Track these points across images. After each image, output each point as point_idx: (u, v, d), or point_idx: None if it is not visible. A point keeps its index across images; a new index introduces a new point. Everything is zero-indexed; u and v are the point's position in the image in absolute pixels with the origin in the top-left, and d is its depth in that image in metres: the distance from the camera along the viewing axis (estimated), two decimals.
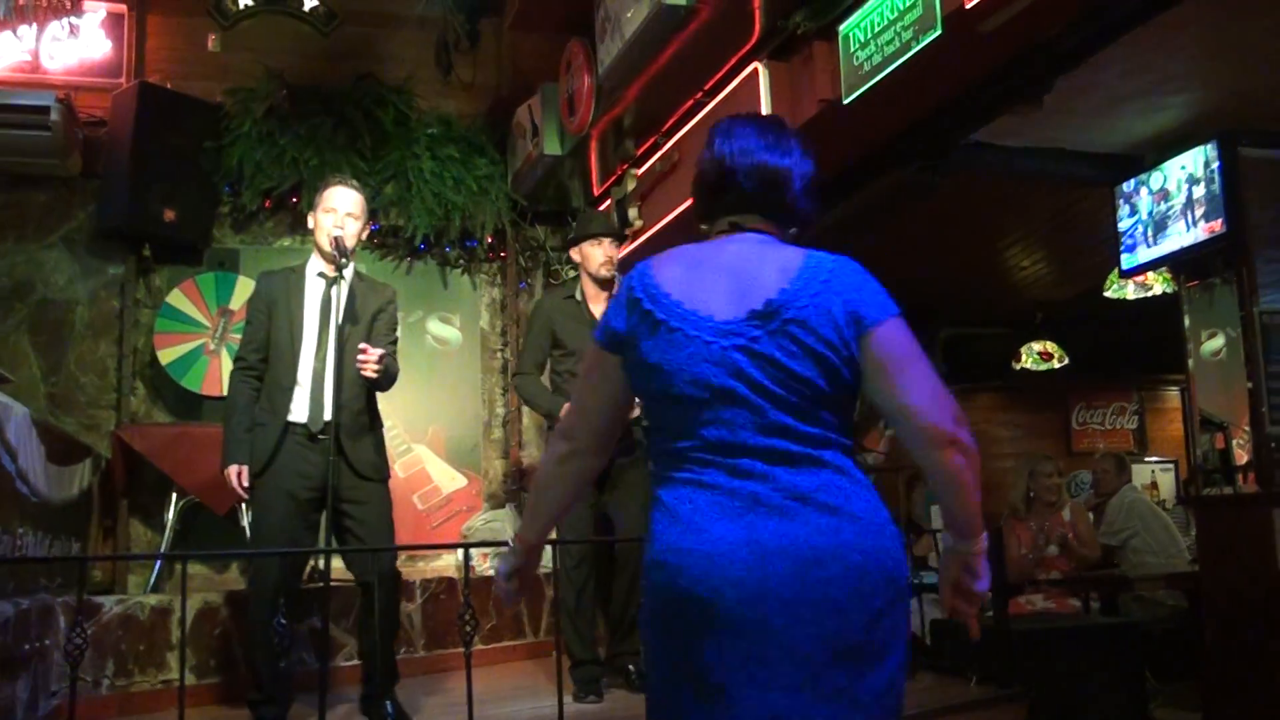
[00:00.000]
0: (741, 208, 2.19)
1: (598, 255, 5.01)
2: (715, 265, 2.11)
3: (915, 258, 7.90)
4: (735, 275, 2.07)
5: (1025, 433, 10.32)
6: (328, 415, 4.25)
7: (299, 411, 4.33)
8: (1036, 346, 9.17)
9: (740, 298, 2.04)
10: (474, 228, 7.39)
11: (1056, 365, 9.15)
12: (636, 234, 6.63)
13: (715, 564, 1.93)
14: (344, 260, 4.34)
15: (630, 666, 4.95)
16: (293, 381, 4.34)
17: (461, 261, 7.59)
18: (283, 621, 3.50)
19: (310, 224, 4.53)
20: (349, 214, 4.45)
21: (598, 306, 5.03)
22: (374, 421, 4.53)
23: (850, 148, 5.48)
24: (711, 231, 2.22)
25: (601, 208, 7.10)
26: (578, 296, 5.09)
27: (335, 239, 4.33)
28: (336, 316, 4.28)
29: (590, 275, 5.05)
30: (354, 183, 4.62)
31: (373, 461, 4.45)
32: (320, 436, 4.29)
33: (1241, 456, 5.50)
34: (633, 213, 6.44)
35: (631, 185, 6.46)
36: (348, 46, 7.42)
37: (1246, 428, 5.44)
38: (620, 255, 6.70)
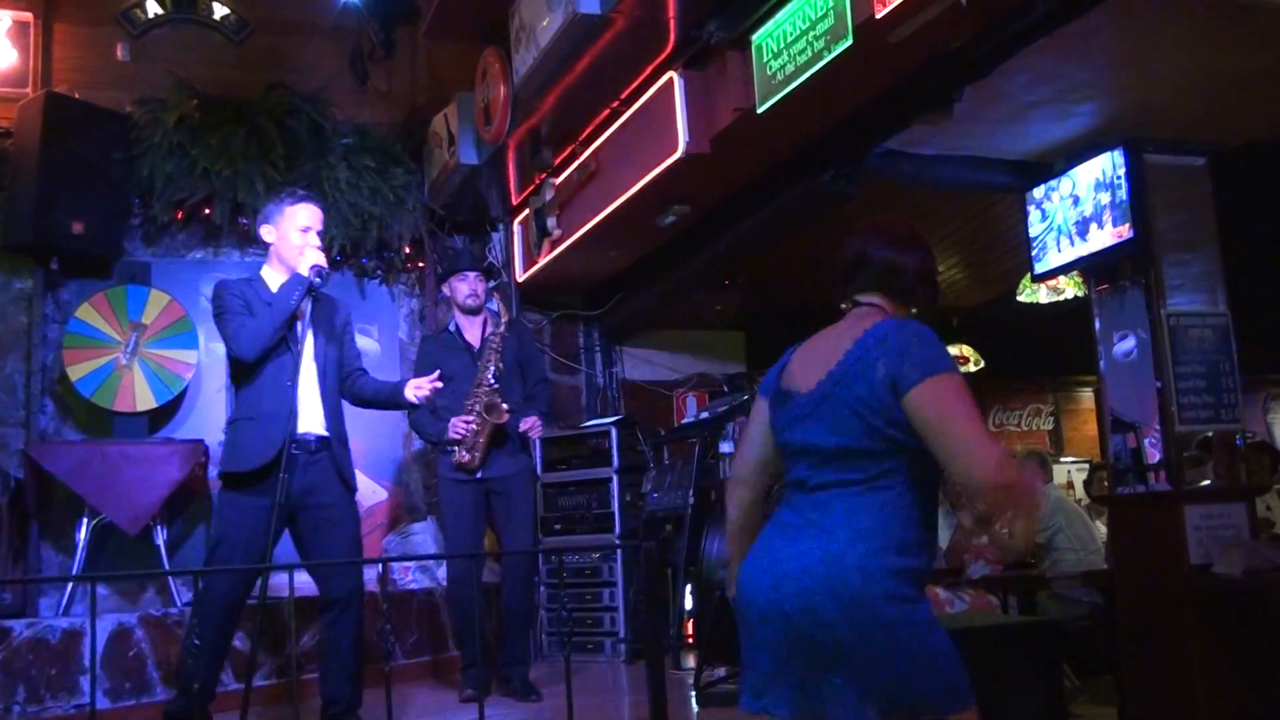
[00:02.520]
0: (866, 288, 2.70)
1: (463, 289, 5.41)
2: (826, 339, 2.61)
3: (828, 264, 7.94)
4: (829, 348, 2.54)
5: None
6: (323, 425, 4.29)
7: (305, 422, 4.28)
8: (953, 350, 9.28)
9: (824, 368, 2.51)
10: (391, 238, 7.34)
11: (973, 369, 9.28)
12: (556, 242, 6.63)
13: (753, 578, 2.44)
14: (321, 281, 4.30)
15: (513, 677, 5.05)
16: (290, 390, 4.26)
17: (379, 272, 7.53)
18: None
19: (268, 237, 4.45)
20: (319, 231, 4.43)
21: (471, 333, 5.40)
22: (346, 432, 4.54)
23: (765, 156, 5.53)
24: (846, 311, 2.68)
25: (520, 218, 7.09)
26: (451, 328, 5.45)
27: (320, 270, 4.29)
28: (310, 329, 4.34)
29: (458, 306, 5.42)
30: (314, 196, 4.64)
31: (353, 472, 4.48)
32: (318, 449, 4.30)
33: (1153, 455, 5.60)
34: (551, 222, 6.43)
35: (550, 195, 6.45)
36: (260, 56, 7.33)
37: (1157, 427, 5.55)
38: (540, 263, 6.73)
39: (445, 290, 5.49)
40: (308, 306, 4.29)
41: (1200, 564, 4.98)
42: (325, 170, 7.12)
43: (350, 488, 4.40)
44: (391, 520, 7.40)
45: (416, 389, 4.51)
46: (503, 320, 5.27)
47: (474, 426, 5.07)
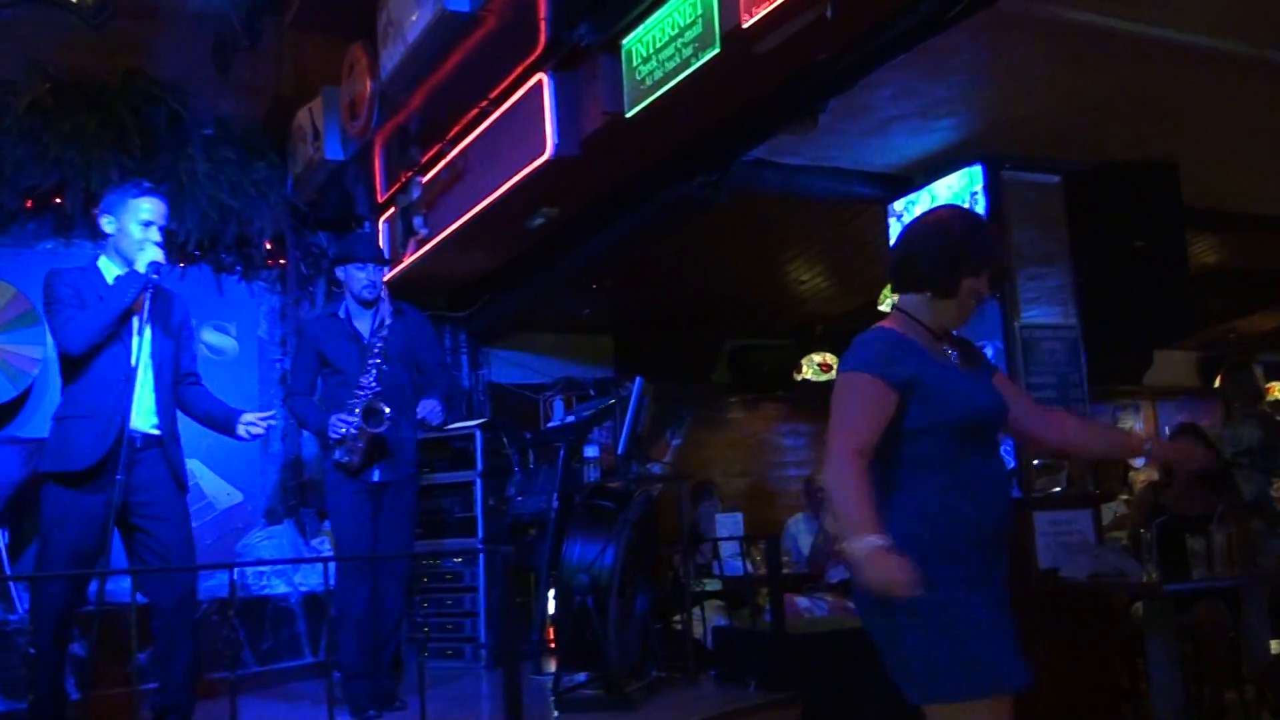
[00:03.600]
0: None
1: (361, 278, 5.09)
2: None
3: (701, 271, 8.02)
4: None
5: (808, 441, 10.59)
6: (155, 423, 4.15)
7: (136, 419, 4.11)
8: (817, 358, 9.42)
9: None
10: (252, 233, 7.16)
11: (835, 375, 9.42)
12: (422, 242, 6.54)
13: None
14: (158, 277, 4.15)
15: (387, 687, 4.95)
16: (125, 386, 4.10)
17: (238, 268, 7.33)
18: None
19: (108, 228, 4.28)
20: (161, 226, 4.28)
21: (362, 324, 5.11)
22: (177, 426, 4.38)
23: (634, 161, 5.54)
24: None
25: (385, 215, 6.98)
26: (341, 314, 5.16)
27: (158, 267, 4.13)
28: (148, 324, 4.18)
29: (354, 295, 5.11)
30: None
31: (184, 469, 4.32)
32: (147, 446, 4.14)
33: (1009, 463, 5.76)
34: (418, 221, 6.34)
35: (417, 193, 6.37)
36: (119, 41, 7.05)
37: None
38: (406, 263, 6.63)
39: (340, 274, 5.18)
40: (146, 302, 4.14)
41: (1048, 568, 5.14)
42: (183, 161, 6.91)
43: (182, 486, 4.25)
44: (247, 523, 7.21)
45: (249, 426, 4.39)
46: (390, 311, 5.05)
47: (353, 431, 4.88)
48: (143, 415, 4.13)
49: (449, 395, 5.57)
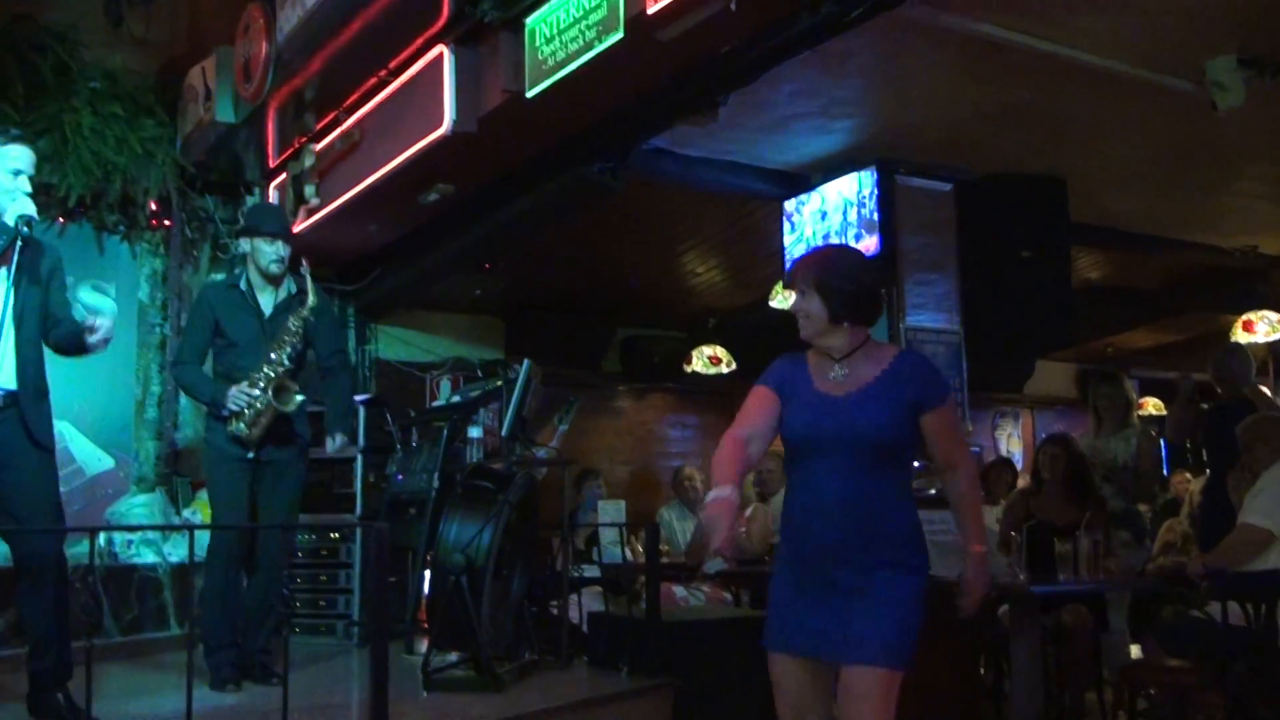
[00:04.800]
0: None
1: (269, 253, 4.93)
2: None
3: (597, 258, 8.01)
4: None
5: (695, 433, 10.66)
6: (13, 379, 3.96)
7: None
8: (708, 350, 9.47)
9: None
10: (136, 193, 6.94)
11: (725, 370, 9.49)
12: (312, 211, 6.42)
13: None
14: (28, 230, 3.97)
15: (262, 661, 4.84)
16: None
17: (121, 228, 7.10)
18: None
19: None
20: (30, 176, 4.10)
21: (264, 297, 4.98)
22: (46, 385, 4.18)
23: (533, 142, 5.50)
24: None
25: (277, 182, 6.83)
26: (242, 286, 5.01)
27: (29, 219, 3.95)
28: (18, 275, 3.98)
29: (259, 269, 4.95)
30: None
31: (50, 429, 4.14)
32: (4, 405, 3.95)
33: None
34: (309, 190, 6.22)
35: (310, 161, 6.24)
36: None
37: None
38: (295, 231, 6.48)
39: (244, 246, 5.02)
40: (15, 255, 3.97)
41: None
42: (68, 114, 6.67)
43: (43, 447, 4.08)
44: (118, 490, 7.01)
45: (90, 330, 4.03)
46: (309, 298, 4.92)
47: (258, 405, 4.74)
48: (2, 372, 3.96)
49: (349, 408, 5.46)
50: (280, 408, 4.73)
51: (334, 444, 5.15)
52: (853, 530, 2.99)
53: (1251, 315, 8.56)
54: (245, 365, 4.81)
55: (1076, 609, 5.47)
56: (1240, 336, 8.60)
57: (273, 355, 4.79)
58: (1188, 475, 8.59)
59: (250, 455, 4.80)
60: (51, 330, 4.13)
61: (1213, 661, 4.34)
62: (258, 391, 4.73)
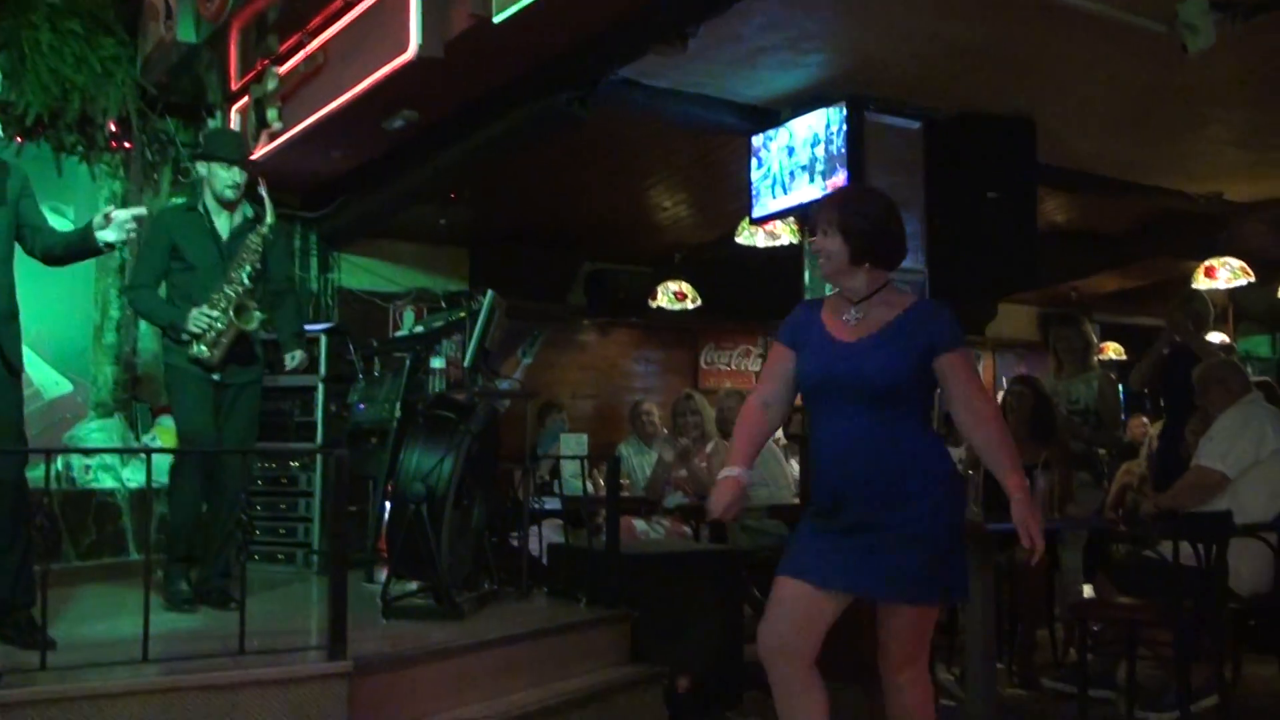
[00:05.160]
0: None
1: (225, 178, 4.90)
2: None
3: (563, 190, 7.95)
4: None
5: (658, 368, 10.67)
6: None
7: None
8: (673, 286, 9.44)
9: None
10: (95, 113, 6.80)
11: (690, 306, 9.47)
12: (275, 136, 6.33)
13: None
14: None
15: (213, 588, 4.85)
16: None
17: (80, 149, 6.97)
18: None
19: None
20: None
21: (221, 221, 4.95)
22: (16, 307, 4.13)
23: (501, 69, 5.43)
24: None
25: (239, 105, 6.72)
26: (200, 209, 4.97)
27: None
28: None
29: (215, 194, 4.92)
30: None
31: (19, 350, 4.08)
32: None
33: None
34: (272, 113, 6.14)
35: (273, 84, 6.14)
36: None
37: None
38: (257, 156, 6.41)
39: (201, 170, 4.98)
40: None
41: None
42: (26, 30, 6.50)
43: (12, 369, 4.04)
44: (76, 415, 6.95)
45: (112, 219, 4.02)
46: (267, 216, 4.88)
47: (219, 326, 4.71)
48: None
49: (302, 330, 5.42)
50: (242, 326, 4.73)
51: (293, 360, 5.16)
52: (875, 473, 3.02)
53: (1214, 261, 8.63)
54: (203, 288, 4.78)
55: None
56: (1202, 283, 8.67)
57: (232, 275, 4.77)
58: (1144, 420, 8.70)
59: (216, 377, 4.79)
60: (37, 242, 4.08)
61: (1162, 599, 4.41)
62: (218, 313, 4.70)
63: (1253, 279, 8.65)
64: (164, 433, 6.60)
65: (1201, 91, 5.88)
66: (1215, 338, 10.31)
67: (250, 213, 4.98)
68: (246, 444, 4.99)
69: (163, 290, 4.93)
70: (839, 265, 3.10)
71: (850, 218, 3.07)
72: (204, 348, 4.71)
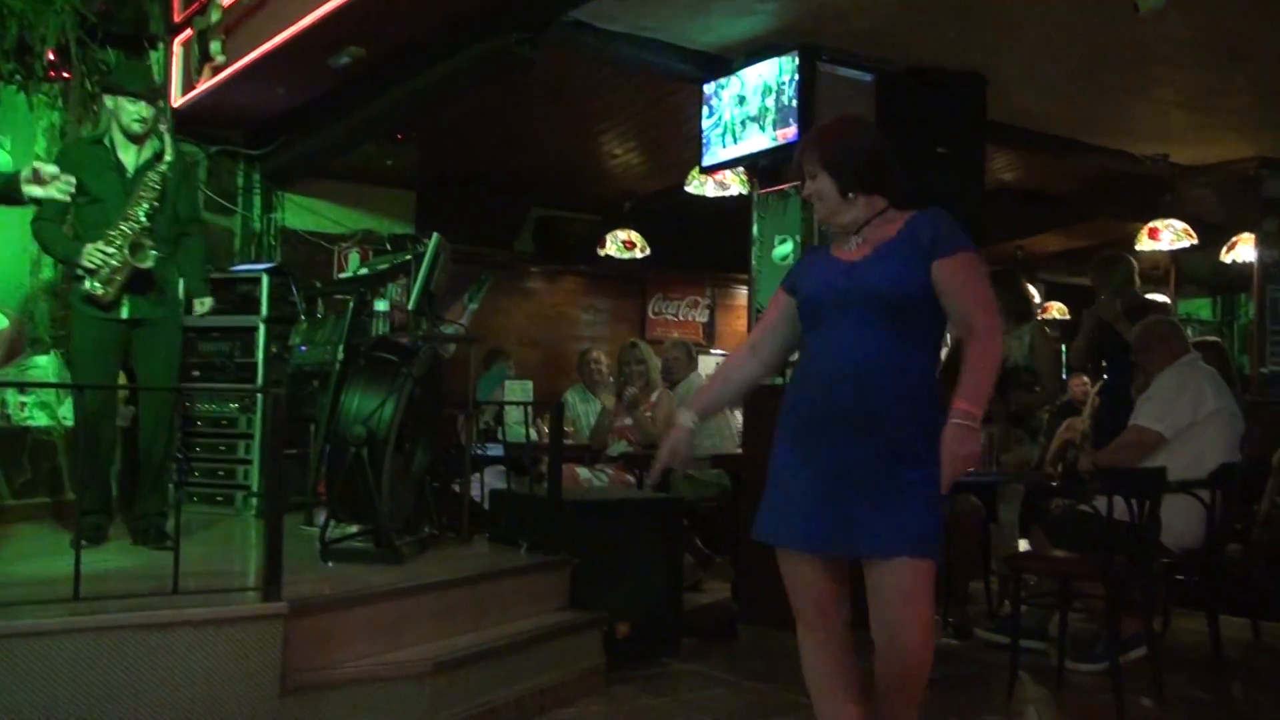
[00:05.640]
0: None
1: (132, 112, 4.83)
2: None
3: (513, 134, 7.87)
4: None
5: (606, 317, 10.65)
6: None
7: None
8: (621, 235, 9.40)
9: None
10: (33, 40, 6.60)
11: (639, 255, 9.45)
12: (219, 70, 6.21)
13: None
14: None
15: (149, 527, 4.80)
16: None
17: (17, 78, 6.78)
18: None
19: None
20: None
21: (128, 155, 4.87)
22: None
23: (449, 7, 5.35)
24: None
25: (182, 37, 6.58)
26: (106, 143, 4.90)
27: None
28: None
29: (121, 127, 4.85)
30: None
31: None
32: None
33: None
34: (215, 46, 6.02)
35: (216, 16, 6.02)
36: None
37: None
38: (200, 90, 6.28)
39: (108, 102, 4.88)
40: None
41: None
42: None
43: None
44: (11, 351, 6.81)
45: (37, 175, 4.06)
46: (166, 154, 4.79)
47: (114, 262, 4.62)
48: None
49: (205, 274, 5.31)
50: (136, 264, 4.65)
51: (203, 307, 5.09)
52: (868, 396, 2.83)
53: (1158, 223, 8.72)
54: (105, 223, 4.71)
55: (968, 499, 5.61)
56: (1145, 244, 8.77)
57: (129, 211, 4.69)
58: (1085, 380, 8.80)
59: (123, 315, 4.71)
60: None
61: (1095, 553, 4.47)
62: (112, 249, 4.63)
63: (1195, 241, 8.75)
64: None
65: (1151, 53, 5.91)
66: (1158, 298, 10.51)
67: (159, 147, 4.89)
68: (166, 382, 4.92)
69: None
70: (832, 204, 2.96)
71: (831, 151, 2.95)
72: (98, 284, 4.64)
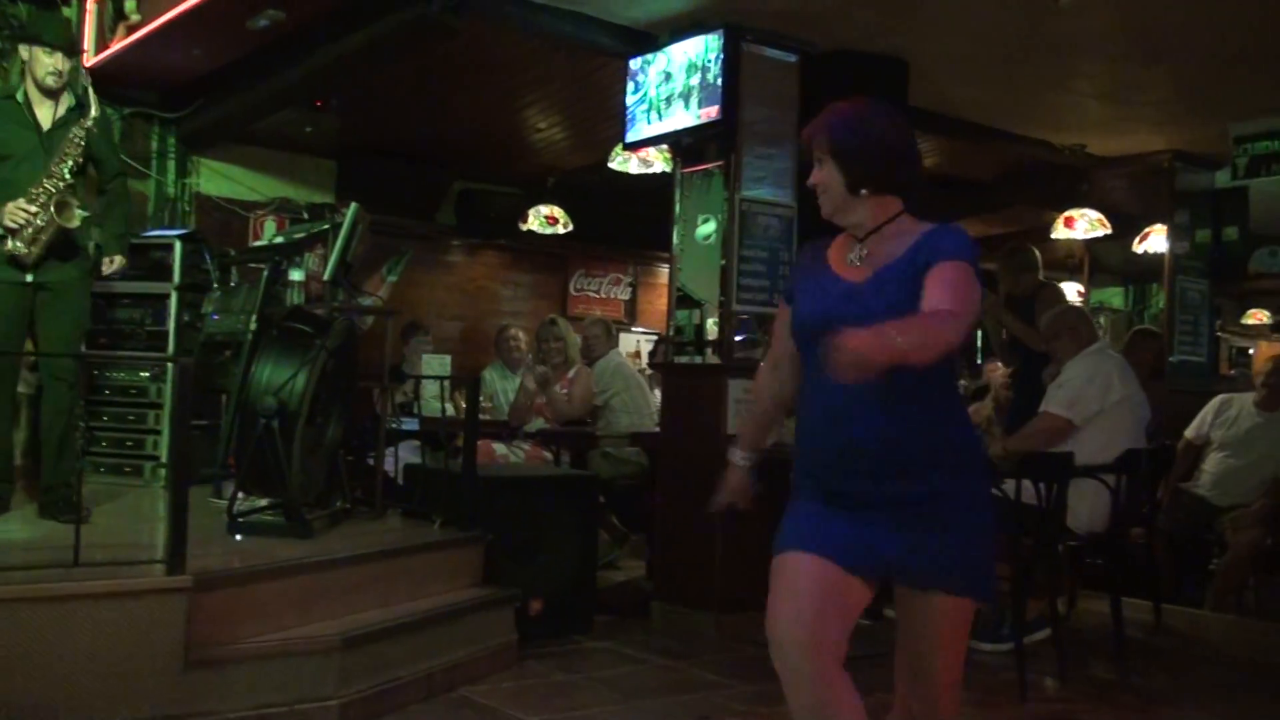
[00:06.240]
0: None
1: (47, 64, 4.65)
2: None
3: (436, 104, 7.76)
4: None
5: (527, 293, 10.57)
6: None
7: None
8: (544, 210, 9.32)
9: None
10: None
11: (561, 230, 9.39)
12: (133, 29, 6.05)
13: None
14: None
15: (57, 499, 4.67)
16: None
17: None
18: None
19: None
20: None
21: (43, 110, 4.71)
22: None
23: None
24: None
25: None
26: (19, 98, 4.72)
27: None
28: None
29: (35, 80, 4.67)
30: None
31: None
32: None
33: (715, 332, 5.90)
34: (130, 4, 5.86)
35: None
36: None
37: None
38: (114, 49, 6.11)
39: (23, 55, 4.70)
40: None
41: (734, 434, 5.31)
42: None
43: None
44: None
45: None
46: (90, 110, 4.63)
47: (38, 221, 4.46)
48: None
49: (125, 234, 5.16)
50: (64, 224, 4.51)
51: (110, 266, 4.92)
52: (892, 433, 2.46)
53: (1073, 212, 8.86)
54: (20, 180, 4.54)
55: None
56: (1061, 232, 8.91)
57: (53, 169, 4.54)
58: (999, 365, 8.93)
59: (29, 278, 4.56)
60: None
61: (1003, 535, 4.55)
62: (36, 208, 4.48)
63: (1109, 231, 8.91)
64: None
65: (1070, 44, 5.98)
66: (1070, 287, 10.70)
67: (75, 101, 4.73)
68: (71, 348, 4.77)
69: None
70: (837, 200, 2.56)
71: (842, 138, 2.55)
72: (20, 244, 4.49)
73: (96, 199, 4.91)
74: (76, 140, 4.60)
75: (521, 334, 7.92)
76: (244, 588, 3.81)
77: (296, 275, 5.85)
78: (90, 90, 4.68)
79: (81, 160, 4.65)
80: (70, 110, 4.71)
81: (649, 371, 8.65)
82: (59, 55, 4.63)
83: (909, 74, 6.22)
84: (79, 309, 4.78)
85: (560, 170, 9.28)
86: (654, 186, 7.36)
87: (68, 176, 4.57)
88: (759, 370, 2.89)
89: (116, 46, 6.18)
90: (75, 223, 4.54)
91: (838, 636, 2.46)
